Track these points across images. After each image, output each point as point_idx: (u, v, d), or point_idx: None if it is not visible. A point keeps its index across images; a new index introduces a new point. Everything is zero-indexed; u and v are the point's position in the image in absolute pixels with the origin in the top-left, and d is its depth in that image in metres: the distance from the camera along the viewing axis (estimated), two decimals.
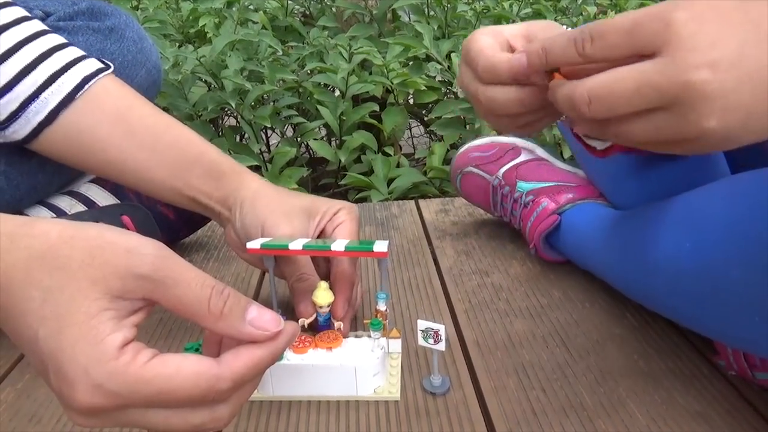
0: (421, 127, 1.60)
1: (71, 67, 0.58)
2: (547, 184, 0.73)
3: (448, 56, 1.13)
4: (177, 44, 1.66)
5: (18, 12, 0.58)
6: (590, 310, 0.65)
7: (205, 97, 1.17)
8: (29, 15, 0.59)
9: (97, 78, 0.59)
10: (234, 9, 1.51)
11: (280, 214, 0.55)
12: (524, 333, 0.61)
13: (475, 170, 0.78)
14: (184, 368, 0.31)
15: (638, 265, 0.52)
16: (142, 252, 0.32)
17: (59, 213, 0.68)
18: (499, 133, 0.80)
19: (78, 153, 0.59)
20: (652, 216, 0.52)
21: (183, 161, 0.58)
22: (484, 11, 1.50)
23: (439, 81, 1.11)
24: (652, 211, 0.53)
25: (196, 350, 0.55)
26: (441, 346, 0.49)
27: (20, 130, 0.58)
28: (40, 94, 0.57)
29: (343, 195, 1.38)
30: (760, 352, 0.45)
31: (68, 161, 0.60)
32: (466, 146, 0.80)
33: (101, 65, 0.60)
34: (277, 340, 0.34)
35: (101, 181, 0.72)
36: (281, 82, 1.31)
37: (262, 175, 1.14)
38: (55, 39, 0.59)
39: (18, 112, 0.57)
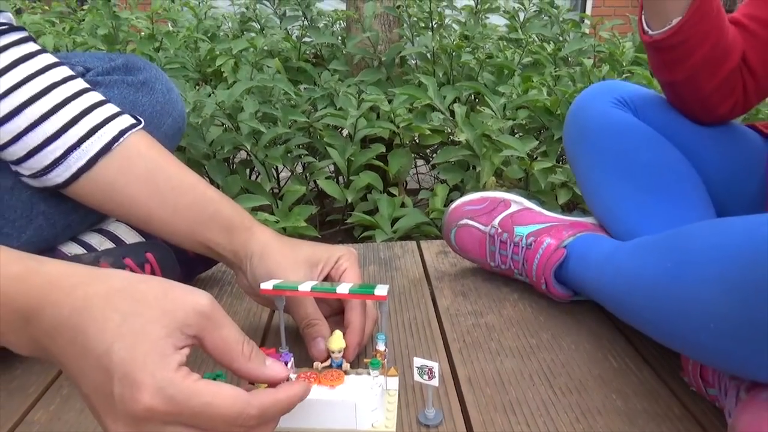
0: (426, 164, 1.67)
1: (109, 121, 0.65)
2: (544, 225, 0.79)
3: (450, 105, 1.20)
4: (195, 82, 1.74)
5: (65, 71, 0.65)
6: (575, 351, 0.70)
7: (222, 138, 1.24)
8: (74, 74, 0.66)
9: (130, 132, 0.66)
10: (250, 50, 1.59)
11: (286, 266, 0.62)
12: (513, 371, 0.66)
13: (470, 222, 0.84)
14: (224, 389, 0.39)
15: (629, 285, 0.59)
16: (201, 296, 0.41)
17: (90, 249, 0.74)
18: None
19: (108, 203, 0.66)
20: (643, 242, 0.60)
21: (201, 218, 0.65)
22: (488, 58, 1.58)
23: (441, 126, 1.18)
24: (639, 242, 0.60)
25: (215, 378, 0.61)
26: (434, 382, 0.55)
27: (61, 174, 0.64)
28: (82, 144, 0.63)
29: (349, 231, 1.45)
30: (709, 361, 0.51)
31: (98, 208, 0.67)
32: (457, 202, 0.86)
33: (134, 121, 0.67)
34: (292, 391, 0.43)
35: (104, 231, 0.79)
36: (293, 122, 1.39)
37: (273, 213, 1.20)
38: (95, 96, 0.66)
39: (61, 158, 0.63)
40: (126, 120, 0.66)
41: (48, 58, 0.65)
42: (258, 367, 0.43)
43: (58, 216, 0.70)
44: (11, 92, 0.62)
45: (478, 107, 1.27)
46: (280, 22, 1.96)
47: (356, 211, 1.31)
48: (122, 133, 0.65)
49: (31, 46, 0.65)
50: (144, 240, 0.78)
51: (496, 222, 0.82)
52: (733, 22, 0.70)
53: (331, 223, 1.53)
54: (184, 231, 0.66)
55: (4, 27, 0.64)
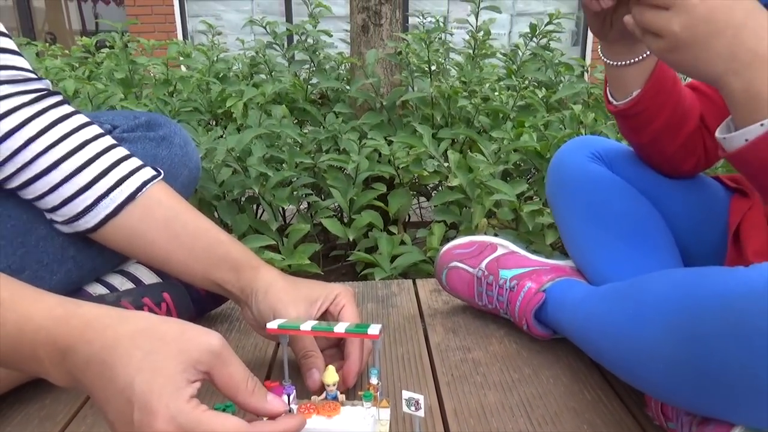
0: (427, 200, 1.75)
1: (133, 174, 0.73)
2: (526, 269, 0.86)
3: (445, 151, 1.28)
4: (206, 122, 1.84)
5: (95, 130, 0.74)
6: (553, 385, 0.76)
7: (231, 180, 1.32)
8: (103, 132, 0.75)
9: (151, 183, 0.74)
10: (258, 91, 1.69)
11: (288, 301, 0.69)
12: (495, 404, 0.72)
13: (459, 265, 0.91)
14: (229, 420, 0.46)
15: (597, 329, 0.67)
16: (213, 337, 0.48)
17: (112, 289, 0.82)
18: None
19: (131, 247, 0.74)
20: (610, 289, 0.68)
21: (213, 259, 0.73)
22: (484, 101, 1.67)
23: (435, 172, 1.26)
24: (607, 288, 0.69)
25: (224, 409, 0.68)
26: (420, 413, 0.61)
27: (90, 221, 0.72)
28: (110, 194, 0.71)
29: (352, 266, 1.52)
30: (663, 398, 0.58)
31: (122, 251, 0.75)
32: (448, 245, 0.94)
33: (155, 173, 0.75)
34: (289, 424, 0.50)
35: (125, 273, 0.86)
36: (299, 163, 1.47)
37: (279, 251, 1.28)
38: (121, 152, 0.74)
39: (91, 206, 0.71)
40: (148, 172, 0.75)
41: (81, 119, 0.74)
42: (259, 401, 0.50)
43: (85, 260, 0.78)
44: (50, 149, 0.70)
45: (471, 151, 1.35)
46: (288, 65, 2.07)
47: (359, 247, 1.38)
48: (145, 183, 0.73)
49: (66, 108, 0.74)
50: (161, 280, 0.86)
51: (483, 265, 0.89)
52: (692, 87, 0.78)
53: (335, 259, 1.61)
54: (198, 271, 0.74)
55: (43, 92, 0.72)
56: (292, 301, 0.70)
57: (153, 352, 0.46)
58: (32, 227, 0.73)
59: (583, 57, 5.36)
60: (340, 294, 0.73)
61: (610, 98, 0.75)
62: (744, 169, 0.57)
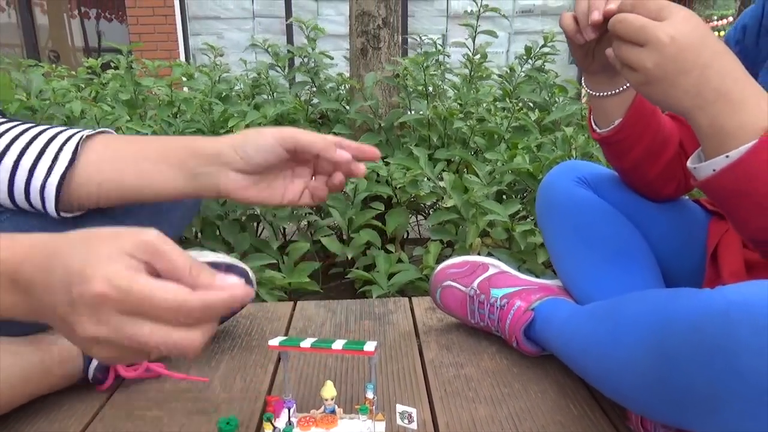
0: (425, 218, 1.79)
1: (69, 139, 0.73)
2: (516, 289, 0.90)
3: (440, 173, 1.33)
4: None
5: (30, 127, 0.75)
6: (541, 399, 0.80)
7: (234, 204, 1.36)
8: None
9: (89, 139, 0.73)
10: (260, 114, 1.73)
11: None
12: (485, 418, 0.76)
13: (453, 284, 0.95)
14: (167, 284, 0.44)
15: (581, 346, 0.71)
16: (148, 231, 0.47)
17: None
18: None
19: (105, 191, 0.73)
20: (593, 308, 0.73)
21: (180, 152, 0.72)
22: (480, 122, 1.71)
23: (431, 193, 1.31)
24: (590, 307, 0.74)
25: (227, 423, 0.71)
26: (413, 426, 0.65)
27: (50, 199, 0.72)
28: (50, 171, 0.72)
29: (351, 283, 1.55)
30: (638, 410, 0.62)
31: (102, 202, 0.75)
32: (441, 265, 0.98)
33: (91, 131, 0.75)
34: (235, 290, 0.46)
35: None
36: None
37: (279, 269, 1.32)
38: (54, 130, 0.74)
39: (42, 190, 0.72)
40: (82, 133, 0.74)
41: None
42: (208, 282, 0.46)
43: None
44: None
45: (468, 172, 1.40)
46: (290, 87, 2.12)
47: (357, 265, 1.42)
48: (80, 141, 0.73)
49: None
50: None
51: (475, 284, 0.93)
52: (671, 116, 0.83)
53: (334, 276, 1.64)
54: (172, 173, 0.72)
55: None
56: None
57: (93, 240, 0.46)
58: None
59: (580, 76, 5.44)
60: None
61: (594, 126, 0.80)
62: (712, 197, 0.61)
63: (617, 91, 0.74)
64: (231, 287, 0.46)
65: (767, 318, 0.45)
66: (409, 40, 2.26)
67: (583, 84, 0.78)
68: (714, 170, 0.58)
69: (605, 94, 0.75)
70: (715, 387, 0.48)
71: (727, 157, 0.56)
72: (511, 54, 5.72)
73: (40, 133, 0.74)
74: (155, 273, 0.46)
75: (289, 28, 5.59)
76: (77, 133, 0.75)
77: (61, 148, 0.73)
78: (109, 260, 0.44)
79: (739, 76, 0.57)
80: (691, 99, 0.57)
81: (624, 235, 0.84)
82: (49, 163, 0.72)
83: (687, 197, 0.90)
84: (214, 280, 0.46)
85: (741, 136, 0.55)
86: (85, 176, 0.73)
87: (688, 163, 0.62)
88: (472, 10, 1.94)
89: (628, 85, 0.74)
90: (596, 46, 0.72)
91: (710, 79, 0.56)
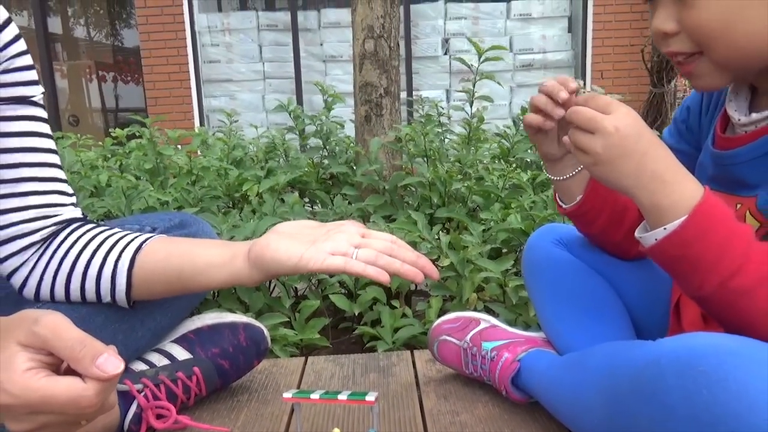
0: None
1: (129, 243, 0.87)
2: (504, 342, 1.00)
3: (437, 234, 1.44)
4: (224, 206, 2.02)
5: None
6: None
7: None
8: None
9: (147, 242, 0.87)
10: (273, 181, 1.87)
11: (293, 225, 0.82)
12: None
13: (448, 338, 1.05)
14: (60, 381, 0.53)
15: (557, 393, 0.82)
16: (42, 318, 0.55)
17: (151, 365, 0.97)
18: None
19: (160, 284, 0.85)
20: (568, 358, 0.84)
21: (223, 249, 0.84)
22: (478, 180, 1.84)
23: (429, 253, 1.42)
24: (565, 357, 0.85)
25: None
26: None
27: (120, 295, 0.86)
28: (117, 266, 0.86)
29: (360, 336, 1.65)
30: None
31: (159, 293, 0.87)
32: (437, 321, 1.08)
33: (149, 235, 0.89)
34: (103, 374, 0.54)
35: (180, 341, 1.01)
36: None
37: (292, 327, 1.42)
38: (118, 236, 0.88)
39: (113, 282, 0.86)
40: (142, 237, 0.88)
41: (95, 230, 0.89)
42: (86, 367, 0.54)
43: (130, 343, 0.93)
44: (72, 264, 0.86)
45: (467, 230, 1.51)
46: (301, 151, 2.27)
47: (365, 319, 1.52)
48: (140, 246, 0.86)
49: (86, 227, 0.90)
50: (192, 356, 1.00)
51: (468, 338, 1.03)
52: None
53: (343, 330, 1.74)
54: (216, 257, 0.83)
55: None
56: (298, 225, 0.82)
57: None
58: (89, 318, 0.89)
59: None
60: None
61: (560, 203, 0.91)
62: (657, 261, 0.72)
63: (574, 173, 0.87)
64: (102, 369, 0.54)
65: (689, 363, 0.55)
66: (414, 101, 2.42)
67: (545, 170, 0.90)
68: (656, 239, 0.69)
69: (564, 177, 0.87)
70: (655, 425, 0.58)
71: (665, 229, 0.67)
72: (514, 105, 5.90)
73: (110, 236, 0.88)
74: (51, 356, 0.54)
75: (298, 88, 5.83)
76: (139, 236, 0.88)
77: (128, 244, 0.87)
78: (8, 363, 0.52)
79: (670, 162, 0.68)
80: (632, 180, 0.69)
81: (597, 291, 0.95)
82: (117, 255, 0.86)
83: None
84: (93, 364, 0.54)
85: (675, 211, 0.67)
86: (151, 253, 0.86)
87: (636, 233, 0.72)
88: (471, 65, 2.08)
89: (581, 167, 0.86)
90: (558, 134, 0.84)
91: (647, 164, 0.68)
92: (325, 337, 1.44)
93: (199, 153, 2.39)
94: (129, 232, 0.90)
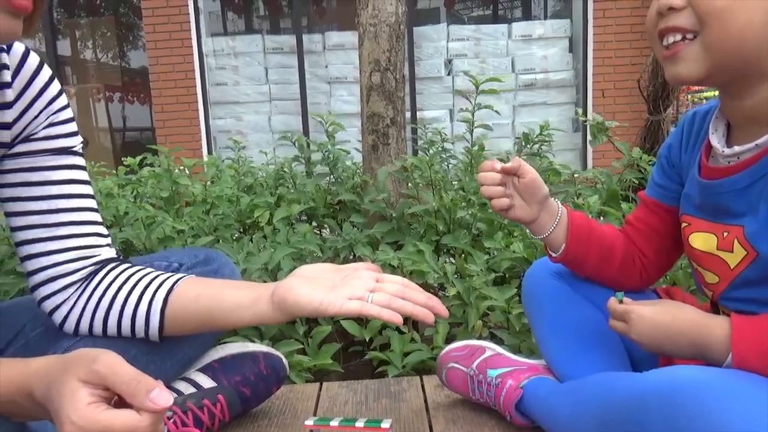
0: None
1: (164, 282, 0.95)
2: (508, 369, 1.07)
3: (444, 264, 1.51)
4: (237, 232, 2.09)
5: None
6: None
7: None
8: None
9: (179, 282, 0.94)
10: (285, 211, 1.95)
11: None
12: None
13: (455, 365, 1.12)
14: (119, 413, 0.60)
15: (556, 418, 0.90)
16: (100, 357, 0.62)
17: (179, 393, 1.03)
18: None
19: (192, 323, 0.93)
20: (567, 386, 0.92)
21: (250, 290, 0.91)
22: (482, 206, 1.91)
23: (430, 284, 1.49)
24: (564, 385, 0.92)
25: None
26: None
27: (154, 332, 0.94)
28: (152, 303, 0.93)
29: (370, 360, 1.71)
30: None
31: (190, 331, 0.95)
32: (446, 349, 1.15)
33: (182, 275, 0.96)
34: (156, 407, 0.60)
35: (205, 369, 1.08)
36: None
37: (305, 352, 1.49)
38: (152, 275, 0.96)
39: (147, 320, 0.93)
40: (174, 278, 0.95)
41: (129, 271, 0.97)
42: (141, 401, 0.60)
43: (160, 373, 0.99)
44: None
45: (468, 260, 1.58)
46: (307, 175, 2.35)
47: (375, 343, 1.58)
48: (173, 285, 0.94)
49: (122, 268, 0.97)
50: (216, 385, 1.07)
51: (474, 365, 1.10)
52: (627, 221, 1.02)
53: (354, 354, 1.81)
54: (242, 297, 0.90)
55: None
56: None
57: (62, 377, 0.61)
58: (123, 351, 0.95)
59: (584, 141, 5.67)
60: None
61: (551, 253, 0.99)
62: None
63: (553, 227, 0.96)
64: (155, 403, 0.60)
65: (670, 396, 0.62)
66: (418, 130, 2.50)
67: (528, 234, 0.99)
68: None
69: (547, 234, 0.97)
70: None
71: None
72: (517, 124, 5.98)
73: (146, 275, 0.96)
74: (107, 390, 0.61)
75: (304, 110, 5.93)
76: (171, 276, 0.96)
77: (161, 285, 0.95)
78: (72, 397, 0.58)
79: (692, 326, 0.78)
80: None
81: (593, 321, 1.01)
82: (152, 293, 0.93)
83: (648, 289, 1.07)
84: (147, 397, 0.60)
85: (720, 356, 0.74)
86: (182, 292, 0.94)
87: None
88: (470, 95, 2.16)
89: (557, 222, 0.96)
90: (522, 198, 0.95)
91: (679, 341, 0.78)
92: (337, 361, 1.51)
93: (209, 181, 2.47)
94: (161, 272, 0.98)
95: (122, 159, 2.58)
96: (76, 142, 0.96)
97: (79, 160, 0.97)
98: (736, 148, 0.81)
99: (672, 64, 0.79)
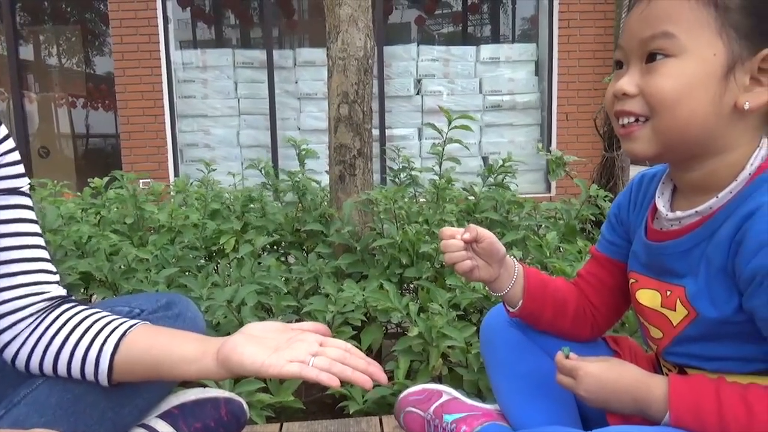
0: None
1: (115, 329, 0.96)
2: (462, 415, 1.10)
3: (407, 304, 1.55)
4: (202, 258, 2.09)
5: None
6: None
7: (227, 326, 1.56)
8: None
9: (131, 329, 0.95)
10: (252, 245, 1.96)
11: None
12: None
13: (413, 409, 1.15)
14: None
15: None
16: None
17: None
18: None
19: (141, 369, 0.94)
20: None
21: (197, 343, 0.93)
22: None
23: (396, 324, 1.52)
24: None
25: None
26: None
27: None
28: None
29: (331, 395, 1.73)
30: None
31: (140, 378, 0.96)
32: (404, 393, 1.18)
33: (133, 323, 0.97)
34: None
35: (164, 416, 1.08)
36: (286, 306, 1.71)
37: (266, 387, 1.50)
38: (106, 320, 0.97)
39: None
40: (127, 324, 0.97)
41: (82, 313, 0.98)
42: None
43: (118, 419, 1.00)
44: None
45: (431, 300, 1.61)
46: (279, 205, 2.36)
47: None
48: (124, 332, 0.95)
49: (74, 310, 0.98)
50: (175, 431, 1.08)
51: (431, 410, 1.13)
52: (579, 274, 1.06)
53: (315, 387, 1.82)
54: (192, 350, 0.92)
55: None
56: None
57: None
58: (82, 397, 0.96)
59: (546, 185, 5.80)
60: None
61: (508, 308, 1.04)
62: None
63: (511, 284, 1.02)
64: None
65: None
66: (387, 154, 2.54)
67: (489, 292, 1.04)
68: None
69: (505, 291, 1.02)
70: None
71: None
72: (484, 143, 6.08)
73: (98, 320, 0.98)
74: None
75: (272, 125, 5.93)
76: (124, 323, 0.97)
77: (113, 331, 0.96)
78: None
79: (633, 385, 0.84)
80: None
81: (545, 370, 1.05)
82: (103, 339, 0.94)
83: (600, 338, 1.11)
84: None
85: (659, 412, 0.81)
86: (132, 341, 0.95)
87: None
88: (442, 130, 2.21)
89: (515, 278, 1.02)
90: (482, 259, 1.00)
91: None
92: (298, 396, 1.52)
93: (172, 196, 2.46)
94: (116, 317, 0.99)
95: (88, 178, 2.54)
96: (24, 183, 0.98)
97: (27, 201, 0.99)
98: (679, 213, 0.86)
99: (627, 141, 0.85)
